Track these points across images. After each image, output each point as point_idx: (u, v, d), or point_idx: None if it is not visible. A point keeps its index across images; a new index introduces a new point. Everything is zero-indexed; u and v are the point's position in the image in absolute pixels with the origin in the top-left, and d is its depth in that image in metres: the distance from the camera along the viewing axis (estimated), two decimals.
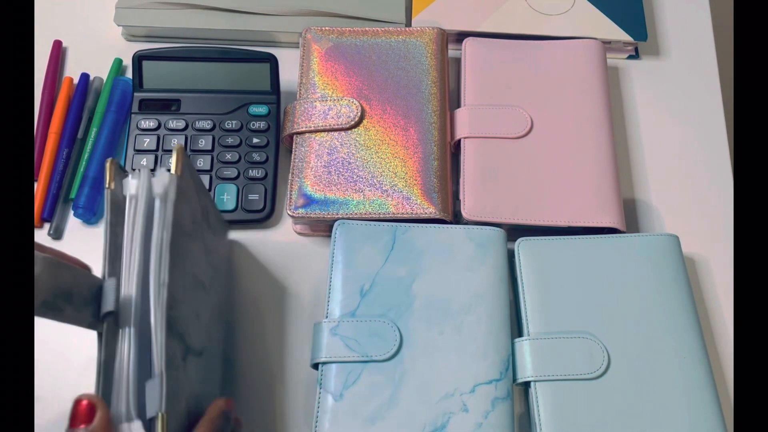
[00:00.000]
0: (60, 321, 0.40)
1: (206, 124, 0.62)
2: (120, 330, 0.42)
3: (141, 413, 0.40)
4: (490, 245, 0.56)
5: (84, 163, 0.62)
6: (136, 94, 0.63)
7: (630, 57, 0.72)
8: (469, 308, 0.53)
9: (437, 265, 0.55)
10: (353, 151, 0.60)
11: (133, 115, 0.62)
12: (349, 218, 0.57)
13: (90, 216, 0.60)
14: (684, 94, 0.70)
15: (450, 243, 0.56)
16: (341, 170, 0.59)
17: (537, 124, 0.62)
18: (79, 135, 0.64)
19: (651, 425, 0.49)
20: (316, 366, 0.52)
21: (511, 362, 0.52)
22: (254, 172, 0.61)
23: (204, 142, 0.62)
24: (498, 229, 0.57)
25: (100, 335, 0.42)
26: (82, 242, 0.60)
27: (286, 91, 0.66)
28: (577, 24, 0.69)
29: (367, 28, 0.66)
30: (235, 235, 0.61)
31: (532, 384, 0.51)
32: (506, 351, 0.52)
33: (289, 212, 0.59)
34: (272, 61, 0.62)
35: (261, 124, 0.62)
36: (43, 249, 0.44)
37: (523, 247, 0.57)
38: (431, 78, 0.63)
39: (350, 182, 0.59)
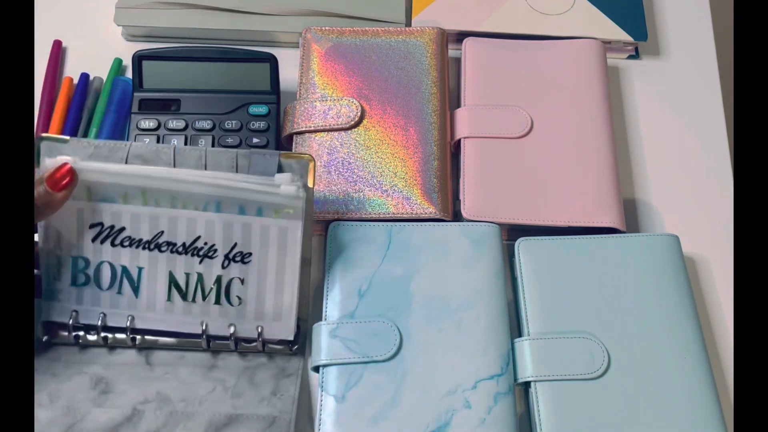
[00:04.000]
0: None
1: (206, 124, 0.62)
2: None
3: None
4: (485, 241, 0.56)
5: None
6: (136, 94, 0.63)
7: (630, 57, 0.72)
8: (468, 305, 0.53)
9: (434, 263, 0.55)
10: (353, 151, 0.60)
11: (133, 115, 0.62)
12: (345, 219, 0.57)
13: None
14: (684, 93, 0.70)
15: (445, 240, 0.56)
16: (341, 170, 0.59)
17: (537, 124, 0.62)
18: (79, 135, 0.64)
19: (651, 425, 0.49)
20: (316, 368, 0.52)
21: (512, 357, 0.52)
22: None
23: (204, 142, 0.61)
24: (492, 224, 0.57)
25: None
26: None
27: (286, 91, 0.66)
28: (577, 24, 0.69)
29: (367, 28, 0.66)
30: None
31: (532, 384, 0.51)
32: (506, 346, 0.52)
33: None
34: (272, 61, 0.62)
35: (261, 124, 0.62)
36: None
37: (523, 247, 0.57)
38: (431, 78, 0.63)
39: (350, 182, 0.59)
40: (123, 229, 0.50)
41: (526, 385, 0.52)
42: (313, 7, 0.68)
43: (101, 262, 0.51)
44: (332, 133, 0.61)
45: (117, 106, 0.65)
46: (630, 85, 0.70)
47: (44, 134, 0.50)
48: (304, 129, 0.61)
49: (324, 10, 0.68)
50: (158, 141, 0.61)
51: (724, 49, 0.73)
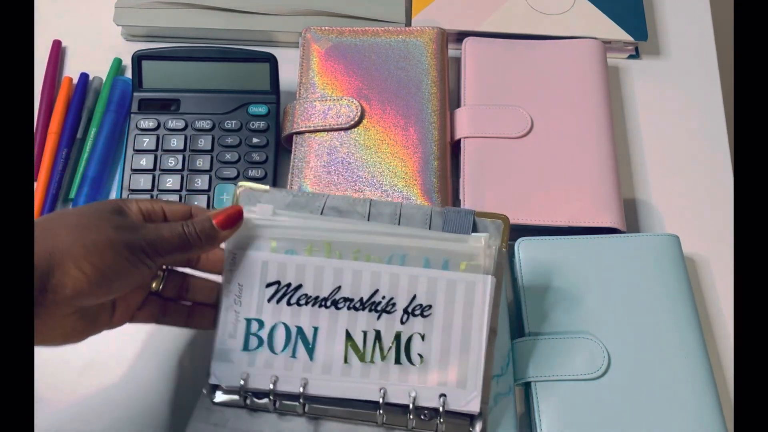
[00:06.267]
0: None
1: (206, 124, 0.62)
2: None
3: None
4: None
5: (83, 163, 0.62)
6: (135, 93, 0.63)
7: (630, 57, 0.72)
8: None
9: None
10: (353, 151, 0.60)
11: (132, 115, 0.62)
12: None
13: None
14: (684, 93, 0.70)
15: None
16: (341, 170, 0.59)
17: (537, 124, 0.62)
18: (79, 135, 0.64)
19: (651, 425, 0.49)
20: None
21: (512, 357, 0.52)
22: (254, 172, 0.61)
23: (204, 142, 0.61)
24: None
25: None
26: None
27: (286, 91, 0.66)
28: (577, 24, 0.69)
29: (367, 28, 0.66)
30: None
31: (532, 384, 0.51)
32: (506, 347, 0.52)
33: None
34: (272, 61, 0.62)
35: (261, 124, 0.62)
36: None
37: (523, 247, 0.57)
38: (431, 78, 0.63)
39: (350, 182, 0.59)
40: (300, 286, 0.47)
41: (526, 385, 0.52)
42: (313, 7, 0.68)
43: (276, 324, 0.48)
44: (332, 133, 0.61)
45: (117, 106, 0.65)
46: (630, 85, 0.70)
47: (244, 183, 0.50)
48: (303, 129, 0.61)
49: (324, 10, 0.68)
50: (158, 141, 0.61)
51: (724, 49, 0.73)
